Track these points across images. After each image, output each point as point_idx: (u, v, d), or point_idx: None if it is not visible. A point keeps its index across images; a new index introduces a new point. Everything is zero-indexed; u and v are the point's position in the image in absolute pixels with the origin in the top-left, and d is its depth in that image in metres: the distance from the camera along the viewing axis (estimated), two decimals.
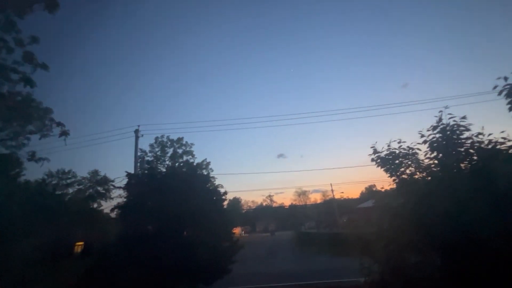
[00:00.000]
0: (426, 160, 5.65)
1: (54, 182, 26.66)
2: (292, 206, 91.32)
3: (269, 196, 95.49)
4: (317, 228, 48.77)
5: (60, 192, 26.04)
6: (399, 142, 5.96)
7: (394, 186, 5.99)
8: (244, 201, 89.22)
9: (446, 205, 4.54)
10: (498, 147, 4.88)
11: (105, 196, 27.68)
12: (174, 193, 9.06)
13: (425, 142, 5.62)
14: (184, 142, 28.10)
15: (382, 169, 6.08)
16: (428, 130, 5.59)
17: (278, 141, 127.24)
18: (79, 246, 23.96)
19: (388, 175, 5.99)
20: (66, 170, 27.44)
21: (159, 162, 25.76)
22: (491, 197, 4.19)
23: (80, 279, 8.04)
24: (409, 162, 5.87)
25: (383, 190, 6.60)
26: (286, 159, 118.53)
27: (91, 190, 28.03)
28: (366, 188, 69.93)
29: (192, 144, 28.43)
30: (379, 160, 6.10)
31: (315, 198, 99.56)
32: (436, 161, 5.47)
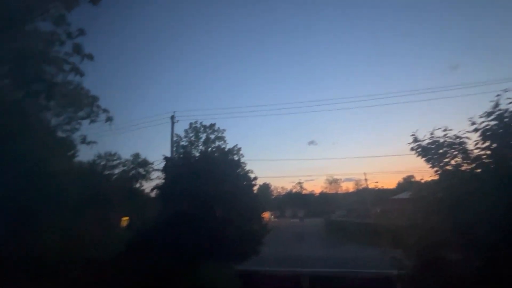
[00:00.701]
0: (476, 151, 5.10)
1: (102, 163, 29.57)
2: (322, 194, 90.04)
3: (299, 183, 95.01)
4: (348, 217, 47.63)
5: (108, 172, 28.96)
6: (444, 130, 5.44)
7: (436, 177, 5.55)
8: (273, 187, 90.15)
9: (497, 202, 4.09)
10: None
11: (146, 177, 30.06)
12: (206, 176, 9.52)
13: (476, 130, 5.05)
14: (216, 128, 28.88)
15: (423, 159, 5.65)
16: (480, 117, 5.00)
17: (309, 127, 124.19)
18: (125, 220, 26.75)
19: (430, 165, 5.55)
20: (112, 153, 30.16)
21: (193, 147, 26.96)
22: None
23: (127, 248, 9.04)
24: (455, 152, 5.35)
25: (422, 181, 6.15)
26: (317, 146, 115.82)
27: (133, 172, 30.60)
28: (404, 179, 65.72)
29: (224, 130, 29.07)
30: (419, 149, 5.66)
31: (347, 186, 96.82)
32: (489, 152, 4.90)
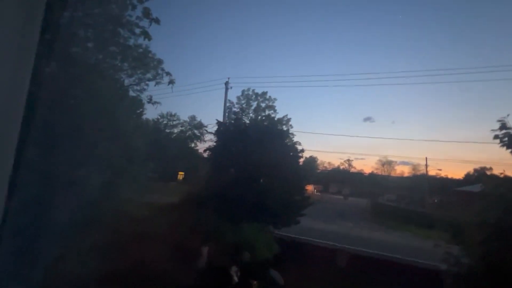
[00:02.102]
0: None
1: (164, 122, 32.92)
2: (372, 175, 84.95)
3: (348, 160, 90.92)
4: (398, 202, 44.53)
5: (169, 131, 32.31)
6: None
7: None
8: (320, 161, 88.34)
9: None
10: None
11: (200, 138, 32.65)
12: (254, 143, 9.81)
13: None
14: (267, 97, 28.80)
15: (509, 150, 4.73)
16: None
17: (367, 102, 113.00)
18: (181, 175, 30.22)
19: None
20: (173, 113, 33.19)
21: (244, 114, 27.69)
22: None
23: (182, 200, 10.32)
24: None
25: (502, 176, 5.22)
26: (374, 123, 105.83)
27: (189, 132, 33.41)
28: (475, 170, 56.93)
29: (275, 99, 28.89)
30: (506, 139, 4.73)
31: (402, 170, 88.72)
32: None
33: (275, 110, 28.51)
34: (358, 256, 9.86)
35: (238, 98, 29.28)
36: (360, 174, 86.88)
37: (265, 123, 13.84)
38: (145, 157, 7.26)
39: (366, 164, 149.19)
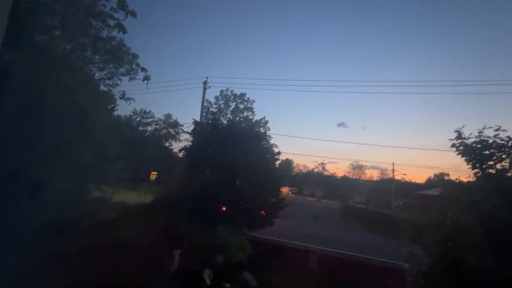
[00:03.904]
0: None
1: (137, 119, 31.44)
2: (344, 178, 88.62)
3: (322, 163, 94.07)
4: (367, 204, 46.90)
5: (142, 128, 30.94)
6: (496, 130, 4.88)
7: (473, 179, 5.13)
8: (295, 163, 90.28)
9: None
10: None
11: (175, 137, 31.64)
12: (231, 145, 9.76)
13: None
14: (246, 98, 28.81)
15: (464, 158, 5.19)
16: None
17: (341, 108, 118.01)
18: (153, 174, 29.08)
19: (470, 166, 5.11)
20: (147, 111, 31.83)
21: (221, 114, 27.42)
22: None
23: (154, 201, 9.92)
24: (503, 156, 4.84)
25: (457, 181, 5.73)
26: (347, 129, 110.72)
27: (164, 131, 32.26)
28: (435, 175, 61.89)
29: (253, 101, 28.99)
30: (462, 148, 5.19)
31: (371, 174, 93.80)
32: None
33: (253, 112, 28.64)
34: (329, 256, 10.20)
35: (216, 98, 28.96)
36: (333, 177, 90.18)
37: (243, 125, 13.84)
38: (116, 156, 6.88)
39: (338, 168, 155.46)
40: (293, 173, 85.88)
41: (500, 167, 4.86)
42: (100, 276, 5.02)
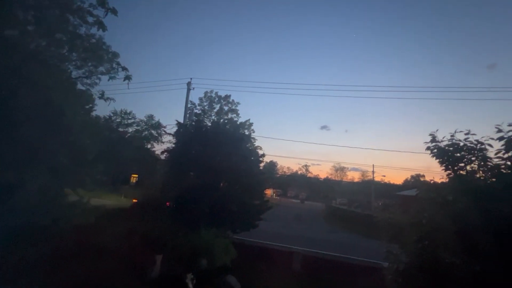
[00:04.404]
0: (496, 160, 4.89)
1: (118, 120, 30.37)
2: (327, 180, 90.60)
3: (305, 165, 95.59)
4: (349, 205, 48.17)
5: (122, 130, 29.88)
6: (466, 134, 5.19)
7: (447, 180, 5.42)
8: (279, 166, 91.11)
9: (504, 214, 4.01)
10: None
11: (157, 139, 30.85)
12: (215, 147, 9.67)
13: (501, 138, 4.79)
14: (230, 100, 28.76)
15: (437, 160, 5.47)
16: (509, 125, 4.72)
17: (324, 112, 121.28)
18: (134, 177, 28.11)
19: (443, 168, 5.40)
20: (128, 111, 30.84)
21: (205, 116, 27.15)
22: None
23: (135, 205, 9.58)
24: (473, 158, 5.15)
25: (432, 182, 6.04)
26: (330, 131, 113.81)
27: (146, 132, 31.37)
28: (412, 176, 64.86)
29: (238, 103, 29.01)
30: (435, 150, 5.47)
31: (353, 176, 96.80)
32: (509, 163, 4.70)
33: (237, 114, 28.63)
34: (313, 257, 10.33)
35: (200, 99, 28.66)
36: (316, 179, 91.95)
37: (228, 127, 13.77)
38: (94, 158, 6.59)
39: (321, 170, 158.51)
40: (277, 175, 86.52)
41: (470, 169, 5.17)
42: (75, 284, 4.76)
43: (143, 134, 31.09)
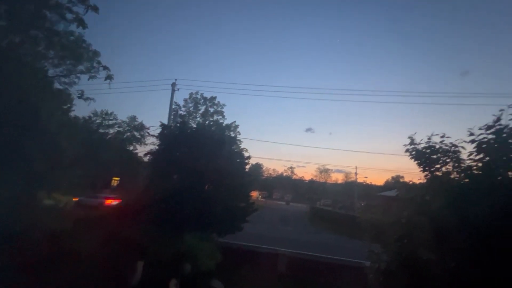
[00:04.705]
0: (468, 161, 5.18)
1: (98, 121, 29.28)
2: (311, 181, 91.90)
3: (291, 167, 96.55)
4: (333, 207, 49.13)
5: (102, 131, 28.82)
6: (441, 137, 5.46)
7: (424, 181, 5.67)
8: (265, 168, 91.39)
9: (476, 212, 4.25)
10: None
11: (140, 141, 30.01)
12: (200, 149, 9.54)
13: (473, 141, 5.08)
14: (216, 102, 28.57)
15: (416, 162, 5.72)
16: (480, 129, 5.01)
17: (309, 114, 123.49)
18: (115, 180, 27.09)
19: (421, 169, 5.64)
20: (109, 112, 29.81)
21: (190, 118, 26.78)
22: None
23: (116, 209, 9.23)
24: (448, 160, 5.43)
25: (410, 183, 6.30)
26: (314, 134, 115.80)
27: (128, 134, 30.44)
28: (392, 177, 67.27)
29: (223, 104, 28.86)
30: (414, 152, 5.71)
31: (337, 178, 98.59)
32: (480, 164, 4.98)
33: (223, 116, 28.46)
34: (298, 259, 10.41)
35: (185, 101, 28.24)
36: (301, 181, 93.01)
37: (213, 129, 13.64)
38: (72, 160, 6.30)
39: (306, 172, 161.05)
40: (263, 177, 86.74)
41: (445, 170, 5.44)
42: None
43: (125, 136, 30.14)
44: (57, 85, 7.39)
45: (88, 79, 7.74)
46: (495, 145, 4.82)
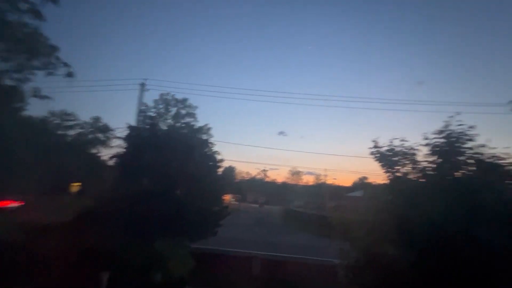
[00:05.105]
0: (424, 163, 5.68)
1: (56, 121, 26.87)
2: (284, 184, 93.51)
3: (264, 170, 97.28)
4: (305, 208, 50.46)
5: (61, 133, 26.49)
6: (401, 141, 5.93)
7: (387, 181, 6.09)
8: (238, 171, 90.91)
9: (432, 208, 4.66)
10: (498, 162, 4.89)
11: (105, 143, 28.04)
12: (172, 152, 9.22)
13: (427, 145, 5.59)
14: (188, 104, 27.79)
15: (379, 163, 6.13)
16: (433, 134, 5.54)
17: (281, 118, 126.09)
18: (76, 186, 24.96)
19: (384, 170, 6.06)
20: (69, 112, 27.46)
21: (161, 120, 25.71)
22: (475, 209, 4.30)
23: (76, 217, 8.49)
24: (407, 161, 5.90)
25: (375, 183, 6.73)
26: (287, 137, 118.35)
27: (91, 136, 28.36)
28: (359, 179, 71.11)
29: (196, 106, 28.09)
30: (378, 155, 6.12)
31: (308, 179, 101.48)
32: (434, 165, 5.50)
33: (195, 118, 27.77)
34: (272, 261, 10.50)
35: (155, 102, 27.09)
36: (274, 183, 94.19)
37: (185, 131, 13.29)
38: (25, 164, 5.69)
39: (279, 174, 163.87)
40: (236, 180, 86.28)
41: (405, 171, 5.91)
42: None
43: (87, 138, 28.00)
44: (6, 82, 6.66)
45: (45, 76, 7.09)
46: (445, 148, 5.36)
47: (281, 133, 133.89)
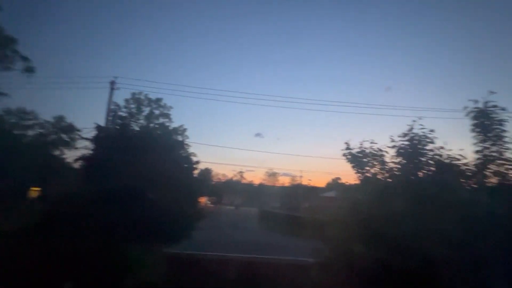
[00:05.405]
0: (391, 164, 6.06)
1: (12, 120, 24.50)
2: (261, 185, 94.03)
3: (240, 172, 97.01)
4: (281, 209, 51.18)
5: (18, 133, 24.15)
6: (371, 143, 6.27)
7: (358, 182, 6.40)
8: (214, 172, 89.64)
9: (398, 207, 4.99)
10: (454, 162, 5.38)
11: (69, 145, 26.09)
12: (144, 154, 8.87)
13: (394, 146, 5.98)
14: (162, 104, 26.90)
15: (351, 164, 6.42)
16: (399, 136, 5.94)
17: (258, 120, 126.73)
18: (35, 191, 22.86)
19: (355, 171, 6.35)
20: (27, 110, 25.15)
21: (132, 120, 24.60)
22: (438, 207, 4.68)
23: (37, 223, 7.80)
24: (375, 163, 6.25)
25: (347, 184, 7.03)
26: (263, 139, 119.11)
27: (53, 136, 26.25)
28: (333, 179, 73.75)
29: (170, 107, 27.29)
30: (350, 156, 6.40)
31: (284, 181, 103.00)
32: (399, 166, 5.89)
33: (170, 119, 26.96)
34: (248, 262, 10.46)
35: (126, 101, 25.84)
36: (250, 185, 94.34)
37: (159, 132, 12.85)
38: None
39: (255, 176, 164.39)
40: (213, 182, 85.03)
41: (374, 171, 6.26)
42: None
43: (49, 138, 25.85)
44: None
45: (0, 70, 6.45)
46: (409, 150, 5.79)
47: (257, 134, 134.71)
